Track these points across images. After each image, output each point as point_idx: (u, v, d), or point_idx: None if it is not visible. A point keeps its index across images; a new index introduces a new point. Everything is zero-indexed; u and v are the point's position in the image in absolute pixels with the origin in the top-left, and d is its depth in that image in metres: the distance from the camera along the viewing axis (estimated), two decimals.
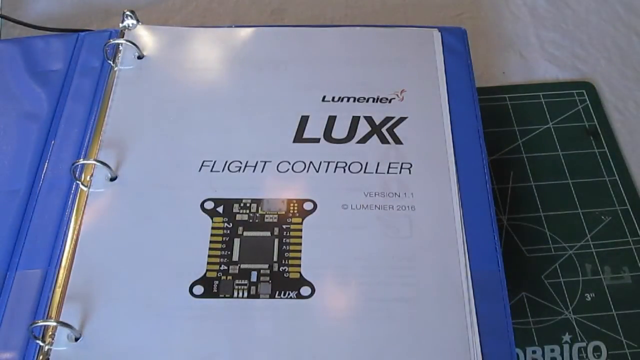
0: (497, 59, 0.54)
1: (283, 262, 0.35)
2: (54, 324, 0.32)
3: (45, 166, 0.39)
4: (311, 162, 0.38)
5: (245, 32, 0.44)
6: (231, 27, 0.45)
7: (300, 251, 0.35)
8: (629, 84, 0.52)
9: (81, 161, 0.37)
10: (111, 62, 0.42)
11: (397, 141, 0.39)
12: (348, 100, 0.40)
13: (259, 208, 0.36)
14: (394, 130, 0.39)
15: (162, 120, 0.40)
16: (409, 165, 0.38)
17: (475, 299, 0.33)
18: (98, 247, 0.35)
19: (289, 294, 0.34)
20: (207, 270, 0.34)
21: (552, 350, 0.39)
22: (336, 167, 0.38)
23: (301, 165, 0.38)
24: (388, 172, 0.38)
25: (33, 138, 0.40)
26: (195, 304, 0.33)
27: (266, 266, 0.34)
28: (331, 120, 0.40)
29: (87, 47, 0.44)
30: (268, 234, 0.36)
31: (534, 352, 0.39)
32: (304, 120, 0.40)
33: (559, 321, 0.40)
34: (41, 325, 0.33)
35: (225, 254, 0.35)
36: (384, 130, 0.39)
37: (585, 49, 0.54)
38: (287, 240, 0.35)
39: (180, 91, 0.41)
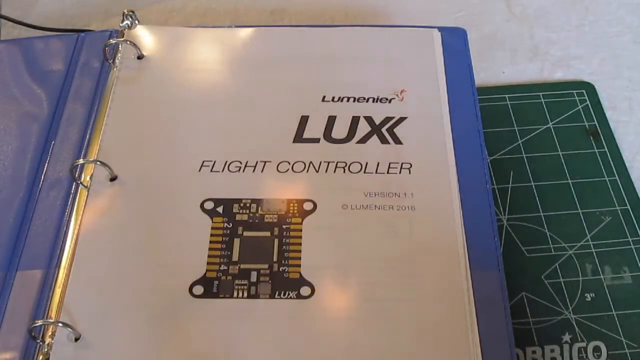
0: (497, 59, 0.54)
1: (283, 262, 0.35)
2: (54, 324, 0.32)
3: (45, 166, 0.39)
4: (311, 162, 0.38)
5: (245, 32, 0.44)
6: (231, 27, 0.45)
7: (300, 251, 0.35)
8: (629, 84, 0.52)
9: (81, 161, 0.37)
10: (111, 62, 0.42)
11: (397, 141, 0.39)
12: (348, 100, 0.40)
13: (259, 208, 0.36)
14: (394, 130, 0.39)
15: (162, 120, 0.40)
16: (409, 165, 0.38)
17: (475, 299, 0.33)
18: (98, 247, 0.35)
19: (289, 294, 0.34)
20: (207, 271, 0.34)
21: (552, 350, 0.39)
22: (336, 167, 0.38)
23: (301, 165, 0.38)
24: (388, 172, 0.37)
25: (33, 138, 0.40)
26: (195, 304, 0.33)
27: (266, 266, 0.34)
28: (331, 120, 0.40)
29: (87, 47, 0.44)
30: (268, 234, 0.35)
31: (534, 352, 0.39)
32: (304, 120, 0.40)
33: (559, 321, 0.40)
34: (41, 325, 0.33)
35: (225, 254, 0.35)
36: (384, 130, 0.39)
37: (585, 49, 0.54)
38: (287, 240, 0.35)
39: (180, 91, 0.41)
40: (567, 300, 0.41)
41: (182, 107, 0.40)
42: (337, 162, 0.38)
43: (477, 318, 0.33)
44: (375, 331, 0.33)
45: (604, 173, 0.47)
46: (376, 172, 0.38)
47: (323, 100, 0.41)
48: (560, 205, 0.45)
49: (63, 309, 0.33)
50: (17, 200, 0.37)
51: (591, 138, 0.48)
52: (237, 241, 0.35)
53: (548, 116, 0.49)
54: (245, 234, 0.36)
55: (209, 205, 0.36)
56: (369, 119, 0.40)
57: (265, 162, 0.38)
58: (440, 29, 0.44)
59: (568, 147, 0.48)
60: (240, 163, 0.38)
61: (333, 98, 0.41)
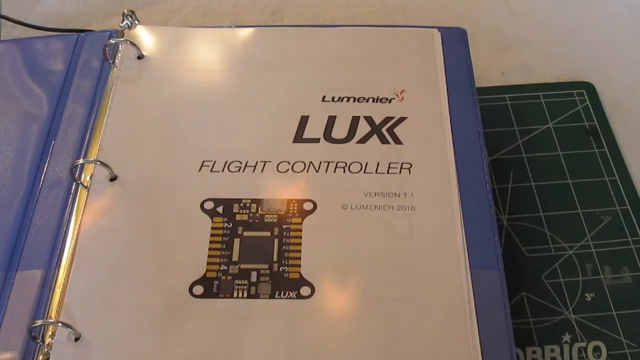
0: (497, 59, 0.54)
1: (283, 262, 0.35)
2: (54, 324, 0.32)
3: (45, 166, 0.39)
4: (311, 162, 0.38)
5: (245, 32, 0.44)
6: (231, 27, 0.45)
7: (300, 251, 0.35)
8: (629, 84, 0.52)
9: (81, 161, 0.37)
10: (111, 62, 0.42)
11: (397, 141, 0.39)
12: (348, 100, 0.40)
13: (259, 208, 0.36)
14: (394, 130, 0.39)
15: (162, 120, 0.40)
16: (409, 165, 0.38)
17: (475, 299, 0.33)
18: (98, 247, 0.35)
19: (289, 294, 0.34)
20: (207, 271, 0.34)
21: (552, 350, 0.39)
22: (336, 167, 0.38)
23: (301, 165, 0.38)
24: (388, 172, 0.38)
25: (33, 138, 0.40)
26: (195, 304, 0.33)
27: (266, 266, 0.34)
28: (331, 120, 0.40)
29: (87, 47, 0.44)
30: (268, 234, 0.36)
31: (534, 352, 0.39)
32: (304, 120, 0.40)
33: (559, 321, 0.40)
34: (41, 325, 0.33)
35: (225, 254, 0.35)
36: (383, 130, 0.39)
37: (585, 49, 0.54)
38: (287, 240, 0.35)
39: (180, 91, 0.41)
40: (567, 300, 0.41)
41: (182, 107, 0.40)
42: (337, 162, 0.38)
43: (477, 318, 0.33)
44: (375, 331, 0.33)
45: (604, 173, 0.47)
46: (376, 172, 0.38)
47: (323, 100, 0.41)
48: (560, 205, 0.45)
49: (63, 309, 0.33)
50: (17, 200, 0.37)
51: (591, 138, 0.48)
52: (237, 241, 0.35)
53: (548, 116, 0.50)
54: (245, 234, 0.36)
55: (209, 205, 0.36)
56: (369, 119, 0.40)
57: (265, 162, 0.38)
58: (440, 29, 0.44)
59: (568, 147, 0.48)
60: (240, 163, 0.38)
61: (333, 98, 0.41)
